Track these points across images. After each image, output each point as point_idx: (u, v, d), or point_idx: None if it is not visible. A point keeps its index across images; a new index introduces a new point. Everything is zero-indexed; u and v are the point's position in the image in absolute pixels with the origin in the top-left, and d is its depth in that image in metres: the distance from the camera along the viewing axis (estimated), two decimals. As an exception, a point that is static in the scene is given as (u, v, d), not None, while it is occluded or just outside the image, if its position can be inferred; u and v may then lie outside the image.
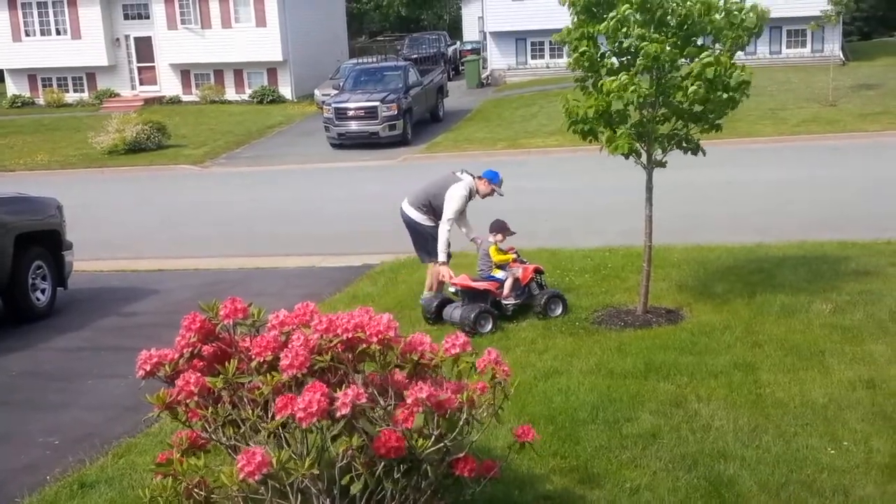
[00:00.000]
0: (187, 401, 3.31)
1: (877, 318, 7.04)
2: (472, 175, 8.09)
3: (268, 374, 3.32)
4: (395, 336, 3.42)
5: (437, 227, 7.93)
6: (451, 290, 7.89)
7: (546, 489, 4.62)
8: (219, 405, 3.61)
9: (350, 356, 3.32)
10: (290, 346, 3.34)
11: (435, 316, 7.80)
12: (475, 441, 3.75)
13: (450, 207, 7.85)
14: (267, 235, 13.29)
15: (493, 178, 8.06)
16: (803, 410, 5.38)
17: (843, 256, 9.01)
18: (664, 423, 5.31)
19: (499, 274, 7.83)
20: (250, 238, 13.18)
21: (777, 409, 5.44)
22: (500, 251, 7.90)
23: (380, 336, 3.26)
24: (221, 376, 3.45)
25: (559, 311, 7.72)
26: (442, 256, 7.87)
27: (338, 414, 3.16)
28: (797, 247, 9.63)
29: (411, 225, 8.17)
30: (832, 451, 4.83)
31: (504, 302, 7.77)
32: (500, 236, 7.87)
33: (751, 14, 6.83)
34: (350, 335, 3.25)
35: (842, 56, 27.95)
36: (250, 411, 3.49)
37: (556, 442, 5.12)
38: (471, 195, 7.98)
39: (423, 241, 8.13)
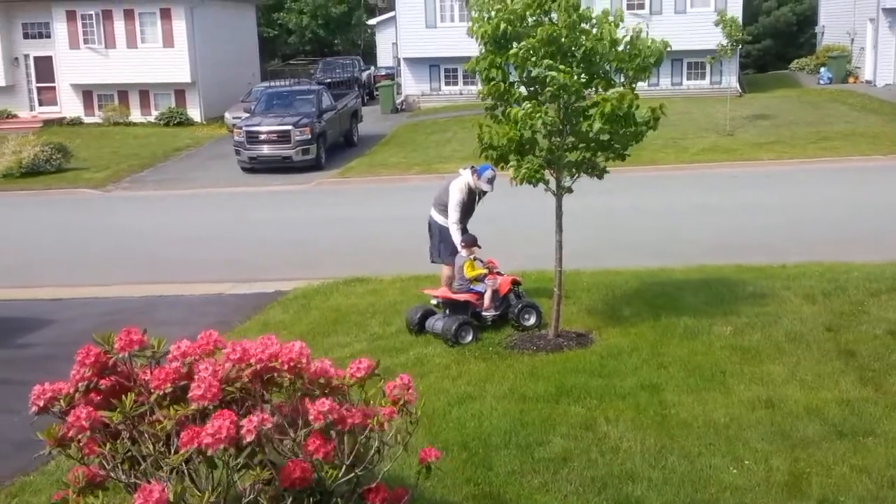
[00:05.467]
0: (79, 436, 3.16)
1: (773, 339, 7.34)
2: (473, 169, 8.55)
3: (170, 408, 3.21)
4: (307, 364, 3.36)
5: (447, 224, 8.55)
6: (433, 301, 8.22)
7: (459, 516, 4.61)
8: (118, 441, 3.46)
9: (258, 386, 3.25)
10: (198, 375, 3.23)
11: (418, 327, 8.07)
12: (387, 470, 3.71)
13: (450, 202, 8.45)
14: (173, 262, 12.91)
15: (480, 172, 8.40)
16: (706, 430, 5.55)
17: (740, 280, 9.38)
18: (574, 447, 5.38)
19: (478, 286, 8.14)
20: (155, 265, 12.77)
21: (681, 429, 5.58)
22: (474, 267, 8.24)
23: (291, 363, 3.20)
24: (119, 410, 3.31)
25: (532, 320, 8.02)
26: (457, 238, 8.37)
27: (244, 441, 3.07)
28: (698, 270, 9.98)
29: (431, 225, 8.73)
30: (734, 471, 4.99)
31: (484, 313, 8.09)
32: (473, 250, 8.28)
33: (650, 45, 7.08)
34: (264, 364, 3.18)
35: (738, 88, 29.30)
36: (151, 446, 3.35)
37: (469, 468, 5.13)
38: (469, 188, 8.48)
39: (437, 240, 8.70)
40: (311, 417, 3.16)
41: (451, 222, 8.41)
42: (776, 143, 21.06)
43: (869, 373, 6.46)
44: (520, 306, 8.03)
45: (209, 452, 3.05)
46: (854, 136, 21.13)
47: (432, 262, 8.94)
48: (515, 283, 8.28)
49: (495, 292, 8.10)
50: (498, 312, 8.10)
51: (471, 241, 8.25)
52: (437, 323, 7.90)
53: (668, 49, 7.21)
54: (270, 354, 3.19)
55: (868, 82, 30.16)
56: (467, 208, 8.59)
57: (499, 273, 8.28)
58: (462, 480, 4.96)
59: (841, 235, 12.11)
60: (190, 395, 3.17)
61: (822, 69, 32.06)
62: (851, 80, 31.18)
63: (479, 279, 8.17)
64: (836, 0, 34.15)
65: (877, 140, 20.52)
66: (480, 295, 8.10)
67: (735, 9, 26.65)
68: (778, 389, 6.21)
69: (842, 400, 5.95)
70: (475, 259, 8.27)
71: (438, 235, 8.68)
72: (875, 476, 4.85)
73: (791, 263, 10.10)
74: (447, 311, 7.98)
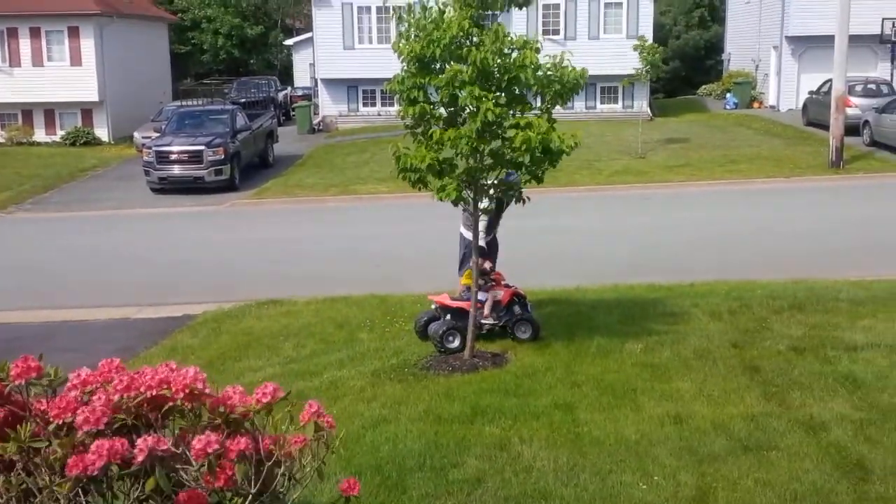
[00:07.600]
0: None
1: (682, 356, 7.52)
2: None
3: (66, 438, 3.05)
4: (204, 389, 3.24)
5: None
6: (433, 307, 8.30)
7: (372, 542, 4.53)
8: (11, 473, 3.28)
9: (157, 415, 3.12)
10: (90, 404, 3.09)
11: (422, 331, 8.20)
12: (297, 497, 3.61)
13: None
14: (76, 286, 12.41)
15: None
16: (617, 447, 5.62)
17: (651, 299, 9.61)
18: (489, 467, 5.37)
19: (481, 295, 8.14)
20: (58, 289, 12.25)
21: (594, 447, 5.65)
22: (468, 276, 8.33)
23: (187, 390, 3.08)
24: (13, 441, 3.14)
25: (528, 334, 8.09)
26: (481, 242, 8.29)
27: (136, 461, 2.94)
28: (611, 290, 10.18)
29: (462, 242, 8.73)
30: (644, 487, 5.06)
31: (482, 321, 8.12)
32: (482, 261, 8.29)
33: (570, 71, 7.19)
34: (154, 392, 3.05)
35: (649, 112, 30.24)
36: (47, 478, 3.19)
37: (383, 492, 5.05)
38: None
39: (462, 253, 8.72)
40: (192, 454, 3.04)
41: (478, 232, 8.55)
42: (685, 165, 21.77)
43: (772, 388, 6.68)
44: (516, 319, 8.12)
45: (91, 472, 2.90)
46: (759, 159, 22.04)
47: (460, 274, 9.09)
48: (518, 295, 8.36)
49: (497, 302, 8.22)
50: (499, 322, 8.21)
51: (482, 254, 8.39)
52: (432, 327, 8.06)
53: (584, 78, 7.31)
54: (160, 380, 3.06)
55: (772, 107, 31.56)
56: (495, 219, 8.67)
57: (507, 285, 8.35)
58: (376, 505, 4.88)
59: (746, 255, 12.57)
60: (76, 421, 3.03)
61: (728, 94, 33.39)
62: (756, 105, 32.57)
63: (480, 288, 8.22)
64: (742, 27, 35.72)
65: (780, 163, 21.46)
66: (481, 304, 8.20)
67: (646, 34, 27.53)
68: (686, 405, 6.35)
69: (747, 415, 6.12)
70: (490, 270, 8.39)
71: (465, 249, 8.81)
72: (778, 490, 5.00)
73: (699, 282, 10.41)
74: (444, 317, 8.06)
